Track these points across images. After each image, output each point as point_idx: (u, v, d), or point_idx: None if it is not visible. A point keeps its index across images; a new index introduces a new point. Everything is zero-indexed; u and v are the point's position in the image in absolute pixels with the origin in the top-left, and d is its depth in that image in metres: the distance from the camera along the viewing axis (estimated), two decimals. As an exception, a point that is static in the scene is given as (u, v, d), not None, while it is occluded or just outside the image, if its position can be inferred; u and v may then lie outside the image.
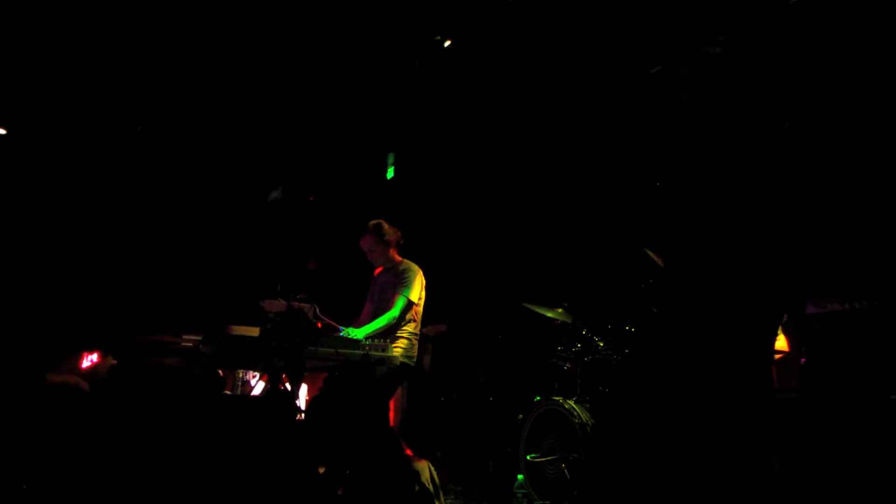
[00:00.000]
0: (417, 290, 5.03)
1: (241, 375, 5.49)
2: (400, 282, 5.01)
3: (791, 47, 3.71)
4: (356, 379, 4.52)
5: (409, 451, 4.92)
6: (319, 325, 4.25)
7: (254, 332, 4.07)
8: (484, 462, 5.90)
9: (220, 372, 4.93)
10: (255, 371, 5.36)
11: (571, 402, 4.93)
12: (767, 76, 3.55)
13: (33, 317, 5.74)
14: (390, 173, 7.72)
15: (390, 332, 4.85)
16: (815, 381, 3.80)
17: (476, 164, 7.24)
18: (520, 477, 5.15)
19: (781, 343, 4.24)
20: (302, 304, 4.16)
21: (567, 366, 5.42)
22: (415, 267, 5.12)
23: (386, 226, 5.20)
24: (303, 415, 4.79)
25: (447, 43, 6.53)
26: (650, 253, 4.38)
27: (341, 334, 4.48)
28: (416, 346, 5.06)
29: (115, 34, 6.30)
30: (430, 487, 4.62)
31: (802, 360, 4.01)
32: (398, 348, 4.81)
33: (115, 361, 4.36)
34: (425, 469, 4.84)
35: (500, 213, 7.09)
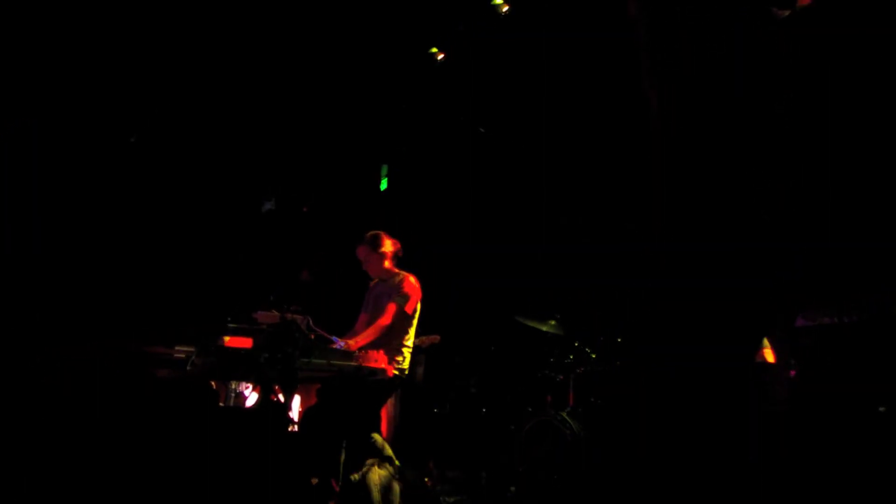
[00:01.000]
0: (412, 302, 5.03)
1: (234, 387, 5.49)
2: (395, 292, 5.01)
3: (791, 47, 3.73)
4: (349, 390, 4.53)
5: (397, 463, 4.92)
6: (312, 336, 4.25)
7: (247, 343, 4.07)
8: (477, 473, 5.90)
9: (212, 384, 4.93)
10: (248, 383, 5.36)
11: (563, 414, 4.95)
12: (767, 76, 3.57)
13: (30, 322, 5.73)
14: (384, 185, 7.75)
15: (383, 343, 4.86)
16: (803, 393, 3.82)
17: (474, 168, 7.27)
18: (512, 488, 5.16)
19: (768, 355, 4.26)
20: (295, 316, 4.17)
21: (559, 377, 5.44)
22: (412, 279, 5.12)
23: (383, 237, 5.19)
24: (296, 426, 4.79)
25: (440, 56, 6.58)
26: None
27: (337, 346, 4.49)
28: (409, 358, 5.07)
29: (115, 38, 6.34)
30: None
31: (792, 372, 4.03)
32: (391, 360, 4.82)
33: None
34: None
35: (498, 217, 7.11)
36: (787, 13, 3.71)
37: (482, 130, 6.92)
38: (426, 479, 5.39)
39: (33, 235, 6.39)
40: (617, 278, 5.49)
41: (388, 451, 4.76)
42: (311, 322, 4.26)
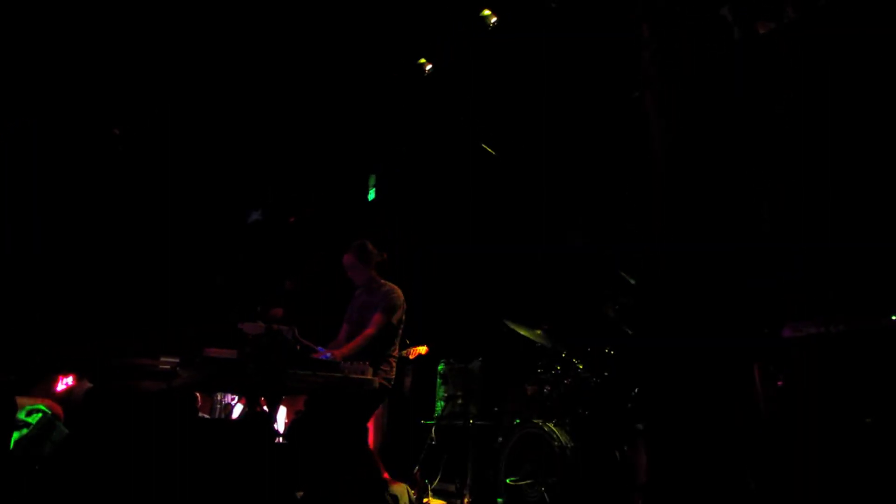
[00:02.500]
0: (398, 313, 5.02)
1: (220, 398, 5.46)
2: (381, 303, 5.00)
3: (791, 47, 3.74)
4: (336, 401, 4.50)
5: (386, 475, 4.90)
6: (298, 347, 4.22)
7: (232, 354, 4.05)
8: (463, 484, 5.88)
9: (198, 395, 4.89)
10: (233, 394, 5.33)
11: (551, 425, 4.93)
12: (767, 77, 3.57)
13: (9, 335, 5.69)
14: (371, 194, 7.74)
15: (369, 354, 4.83)
16: (790, 404, 3.82)
17: (463, 172, 7.27)
18: (499, 500, 5.14)
19: None
20: (281, 326, 4.14)
21: (547, 388, 5.42)
22: (397, 289, 5.12)
23: (369, 246, 5.20)
24: (281, 438, 4.76)
25: (428, 67, 6.60)
26: (624, 275, 4.38)
27: (323, 357, 4.46)
28: (395, 368, 5.06)
29: (108, 47, 6.36)
30: None
31: (779, 382, 4.03)
32: (378, 370, 4.80)
33: (90, 384, 4.32)
34: (404, 493, 4.82)
35: (488, 221, 7.09)
36: (771, 26, 3.72)
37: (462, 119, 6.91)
38: (412, 490, 5.35)
39: (29, 238, 6.38)
40: (613, 278, 5.44)
41: (378, 465, 4.74)
42: (296, 332, 4.24)
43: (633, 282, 4.65)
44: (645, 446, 4.20)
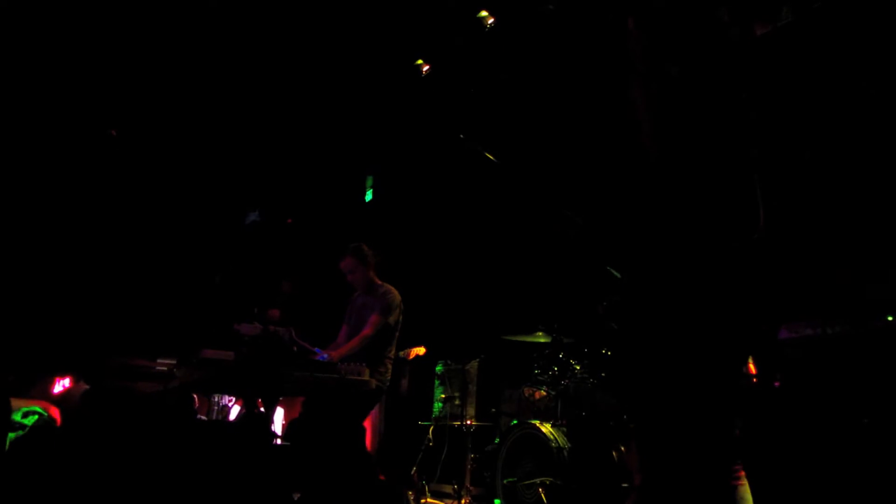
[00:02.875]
0: (395, 314, 5.03)
1: (217, 399, 5.45)
2: (379, 304, 5.01)
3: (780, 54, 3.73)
4: (332, 402, 4.50)
5: (381, 477, 4.90)
6: (295, 348, 4.22)
7: (229, 355, 4.05)
8: (461, 486, 5.88)
9: (194, 396, 4.90)
10: (230, 395, 5.33)
11: (548, 426, 4.93)
12: (757, 82, 3.57)
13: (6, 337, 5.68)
14: (369, 196, 7.74)
15: (366, 355, 4.84)
16: (787, 405, 3.82)
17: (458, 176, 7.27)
18: (497, 501, 5.14)
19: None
20: (278, 328, 4.14)
21: (544, 389, 5.42)
22: (394, 291, 5.13)
23: (365, 248, 5.22)
24: (278, 439, 4.75)
25: (426, 68, 6.59)
26: (612, 271, 4.37)
27: (320, 358, 4.46)
28: (391, 369, 5.06)
29: (102, 49, 6.36)
30: None
31: (776, 383, 4.04)
32: (374, 371, 4.80)
33: (87, 386, 4.31)
34: (401, 494, 4.81)
35: (493, 219, 7.09)
36: (768, 29, 3.73)
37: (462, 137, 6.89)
38: (410, 492, 5.35)
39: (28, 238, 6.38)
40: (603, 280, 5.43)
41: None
42: (293, 333, 4.24)
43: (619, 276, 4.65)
44: (637, 447, 4.20)
